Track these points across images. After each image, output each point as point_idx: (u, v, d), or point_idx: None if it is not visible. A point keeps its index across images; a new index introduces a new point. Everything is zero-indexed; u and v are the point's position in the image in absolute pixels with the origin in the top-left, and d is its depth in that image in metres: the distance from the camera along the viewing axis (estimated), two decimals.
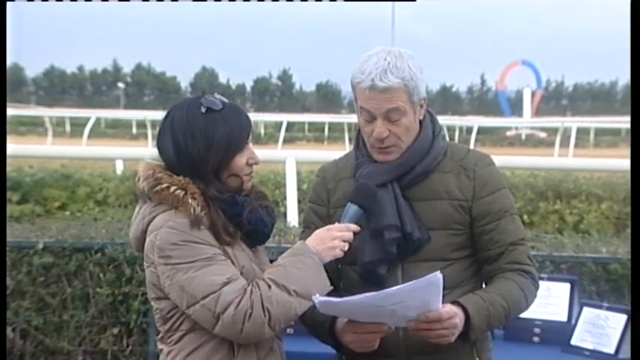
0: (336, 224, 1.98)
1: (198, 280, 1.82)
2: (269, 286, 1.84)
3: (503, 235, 2.04)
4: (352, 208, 1.99)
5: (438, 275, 1.74)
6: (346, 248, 1.96)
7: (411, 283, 1.79)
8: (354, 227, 1.97)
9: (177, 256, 1.84)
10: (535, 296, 2.09)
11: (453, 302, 1.92)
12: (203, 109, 1.94)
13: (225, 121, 1.94)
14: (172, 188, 1.88)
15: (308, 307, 1.88)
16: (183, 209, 1.87)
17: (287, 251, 1.95)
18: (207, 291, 1.82)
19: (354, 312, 1.88)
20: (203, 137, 1.92)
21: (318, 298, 1.80)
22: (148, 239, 1.90)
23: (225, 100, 2.00)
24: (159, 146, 1.98)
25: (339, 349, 2.05)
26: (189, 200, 1.87)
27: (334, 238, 1.94)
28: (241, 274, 1.90)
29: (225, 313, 1.80)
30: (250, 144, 2.00)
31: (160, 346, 2.01)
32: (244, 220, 1.94)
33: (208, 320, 1.83)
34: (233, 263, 1.90)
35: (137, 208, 2.00)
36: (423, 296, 1.80)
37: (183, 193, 1.88)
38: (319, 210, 2.16)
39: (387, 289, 1.79)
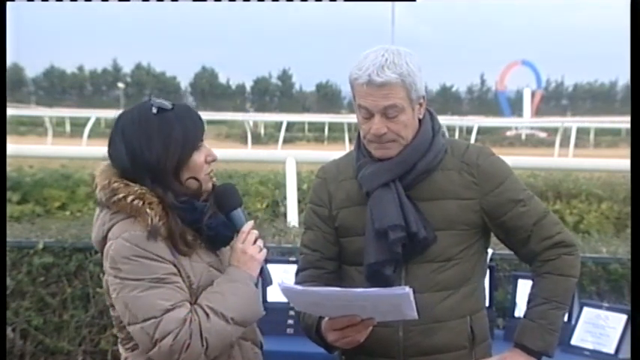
0: (236, 238, 1.98)
1: (142, 301, 1.81)
2: (207, 316, 1.84)
3: (525, 218, 2.06)
4: (234, 215, 2.00)
5: (406, 289, 1.75)
6: (262, 244, 1.99)
7: (377, 289, 1.80)
8: (249, 225, 2.00)
9: (127, 270, 1.82)
10: (578, 258, 2.12)
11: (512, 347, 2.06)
12: (154, 110, 1.91)
13: (179, 119, 1.92)
14: (130, 198, 1.85)
15: (242, 332, 1.91)
16: (141, 219, 1.84)
17: (223, 277, 1.93)
18: (148, 314, 1.80)
19: (319, 303, 1.87)
20: (159, 137, 1.89)
21: (282, 284, 1.81)
22: (105, 247, 1.89)
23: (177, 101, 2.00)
24: (111, 155, 1.94)
25: (330, 350, 2.05)
26: (147, 210, 1.84)
27: (245, 251, 1.96)
28: (198, 287, 1.89)
29: (163, 341, 1.79)
30: (205, 142, 1.98)
31: (120, 349, 2.01)
32: (204, 226, 1.92)
33: (145, 343, 1.82)
34: (188, 277, 1.89)
35: (97, 212, 1.97)
36: (393, 303, 1.80)
37: (141, 202, 1.85)
38: (320, 211, 2.15)
39: (354, 289, 1.81)
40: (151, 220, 1.83)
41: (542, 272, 2.08)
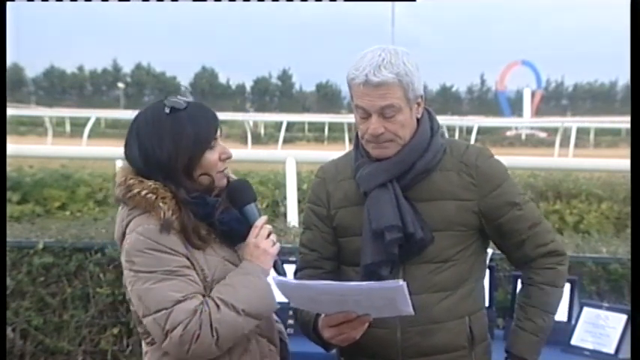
0: (251, 232, 2.00)
1: (154, 293, 1.85)
2: (218, 307, 1.86)
3: (521, 222, 2.07)
4: (247, 210, 2.02)
5: (400, 282, 1.75)
6: (275, 238, 2.01)
7: (370, 283, 1.81)
8: (262, 220, 2.02)
9: (140, 263, 1.87)
10: (566, 270, 2.14)
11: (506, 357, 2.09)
12: (167, 110, 1.94)
13: (190, 118, 1.94)
14: (143, 192, 1.90)
15: (255, 325, 1.92)
16: (155, 213, 1.89)
17: (236, 270, 1.95)
18: (160, 306, 1.84)
19: (314, 298, 1.87)
20: (170, 136, 1.92)
21: (276, 278, 1.82)
22: (123, 242, 1.93)
23: (190, 100, 2.01)
24: (126, 154, 1.98)
25: (327, 348, 2.05)
26: (160, 204, 1.88)
27: (257, 245, 1.97)
28: (212, 280, 1.92)
29: (173, 331, 1.82)
30: (220, 140, 2.00)
31: (143, 345, 2.04)
32: (216, 221, 1.95)
33: (158, 335, 1.86)
34: (202, 270, 1.92)
35: (118, 210, 2.02)
36: (387, 297, 1.80)
37: (154, 197, 1.89)
38: (319, 211, 2.16)
39: (347, 283, 1.83)
40: (164, 214, 1.88)
41: (538, 282, 2.10)
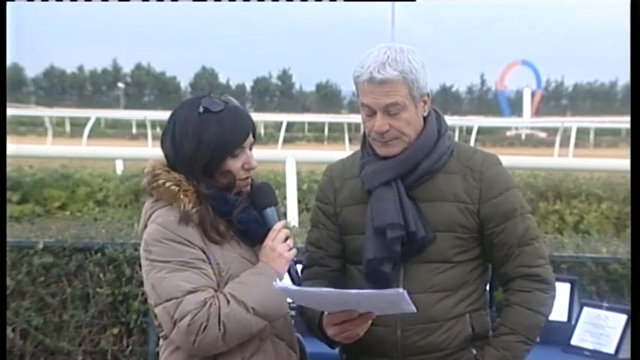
0: (269, 235, 2.00)
1: (166, 282, 1.87)
2: (228, 302, 1.87)
3: (513, 236, 2.04)
4: (266, 213, 2.03)
5: (400, 290, 1.75)
6: (292, 244, 2.02)
7: (371, 291, 1.81)
8: (281, 224, 2.02)
9: (157, 253, 1.90)
10: (552, 299, 2.08)
11: None
12: (201, 109, 1.96)
13: (218, 124, 1.95)
14: (168, 184, 1.94)
15: (264, 326, 1.92)
16: (177, 205, 1.92)
17: (250, 269, 1.97)
18: (171, 295, 1.86)
19: (317, 301, 1.89)
20: (194, 137, 1.95)
21: (277, 284, 1.84)
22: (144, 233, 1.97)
23: (233, 103, 2.01)
24: (162, 140, 2.03)
25: (332, 345, 2.06)
26: (182, 196, 1.92)
27: (274, 248, 1.98)
28: (228, 275, 1.93)
29: (181, 321, 1.84)
30: (248, 148, 2.01)
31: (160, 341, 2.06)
32: (234, 219, 1.97)
33: (167, 324, 1.88)
34: (218, 264, 1.93)
35: (145, 204, 2.05)
36: (389, 300, 1.81)
37: (177, 189, 1.93)
38: (326, 209, 2.17)
39: (348, 290, 1.83)
40: (184, 206, 1.91)
41: (512, 302, 2.07)
